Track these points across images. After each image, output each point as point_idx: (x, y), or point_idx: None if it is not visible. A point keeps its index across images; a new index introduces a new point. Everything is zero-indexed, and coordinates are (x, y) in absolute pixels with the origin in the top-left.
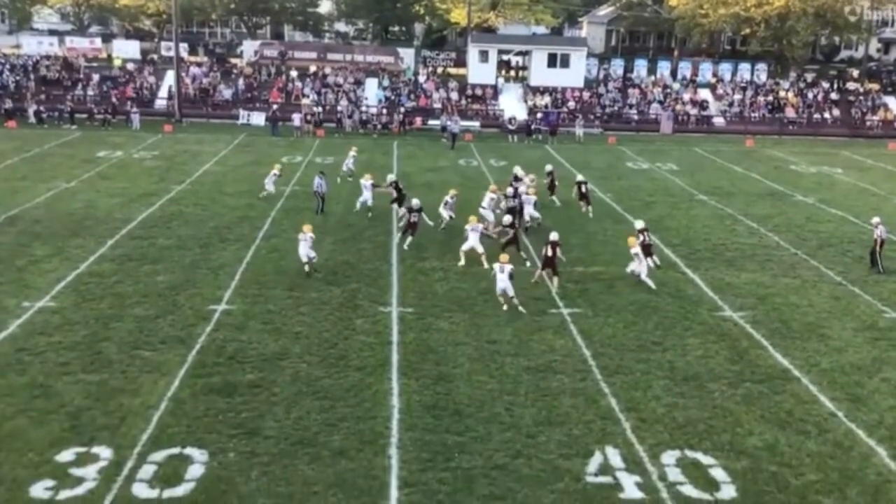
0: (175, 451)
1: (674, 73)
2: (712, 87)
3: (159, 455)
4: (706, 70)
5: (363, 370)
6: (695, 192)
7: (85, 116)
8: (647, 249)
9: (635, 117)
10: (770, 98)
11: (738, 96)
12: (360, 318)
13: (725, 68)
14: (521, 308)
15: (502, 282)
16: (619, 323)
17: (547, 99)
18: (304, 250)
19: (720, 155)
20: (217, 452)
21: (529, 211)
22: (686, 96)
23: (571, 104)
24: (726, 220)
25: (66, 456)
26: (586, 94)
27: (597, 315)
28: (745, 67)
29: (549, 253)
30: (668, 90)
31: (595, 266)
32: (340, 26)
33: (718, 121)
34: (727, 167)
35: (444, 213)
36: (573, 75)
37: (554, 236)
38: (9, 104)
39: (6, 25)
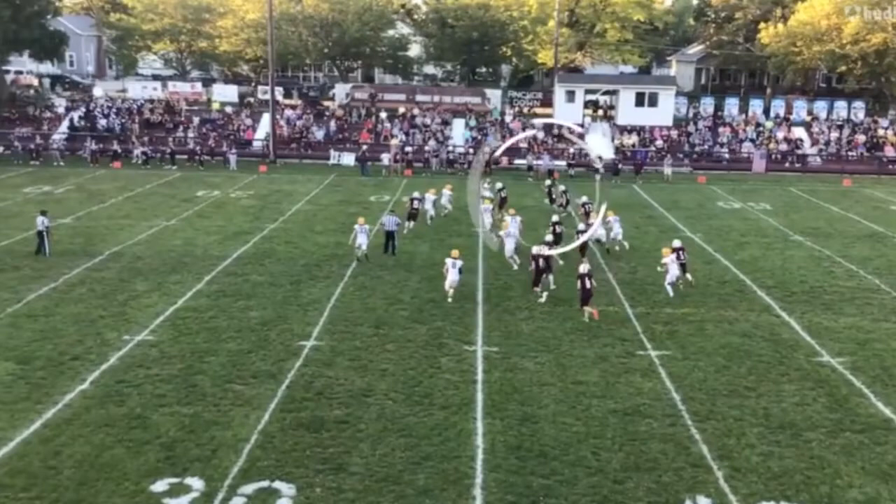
0: (264, 484)
1: (766, 112)
2: (807, 126)
3: (249, 488)
4: (800, 108)
5: (448, 409)
6: (790, 232)
7: (185, 157)
8: (683, 268)
9: (726, 156)
10: (868, 136)
11: (834, 135)
12: (445, 356)
13: (821, 106)
14: (449, 299)
15: (453, 275)
16: (710, 367)
17: (634, 138)
18: (362, 239)
19: (816, 195)
20: (304, 487)
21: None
22: (780, 135)
23: (659, 143)
24: (823, 261)
25: (160, 486)
26: (675, 133)
27: (686, 358)
28: (841, 105)
29: (588, 286)
30: (761, 128)
31: (684, 308)
32: (429, 69)
33: (814, 160)
34: (823, 207)
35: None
36: (661, 114)
37: (584, 268)
38: (115, 146)
39: (114, 71)
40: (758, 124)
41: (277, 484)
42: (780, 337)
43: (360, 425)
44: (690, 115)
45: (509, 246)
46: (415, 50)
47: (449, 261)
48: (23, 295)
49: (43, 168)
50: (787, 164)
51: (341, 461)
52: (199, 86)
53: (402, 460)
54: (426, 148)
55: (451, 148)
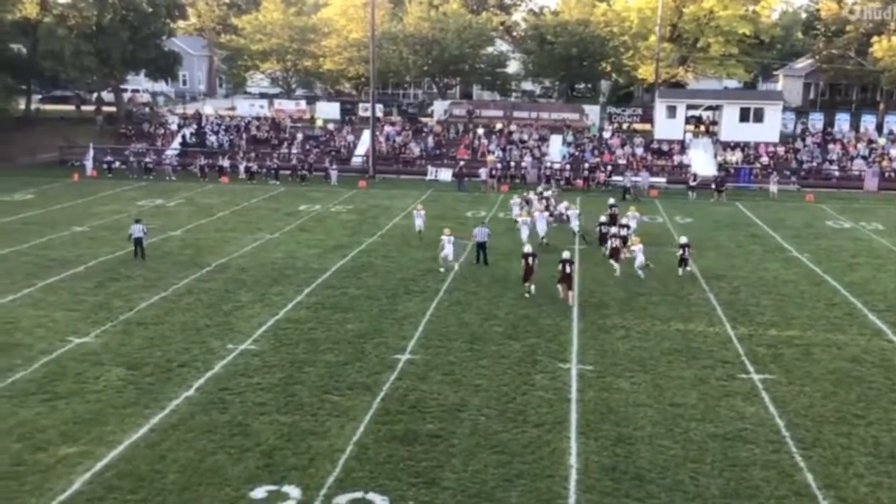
0: (358, 495)
1: (879, 128)
2: None
3: (343, 498)
4: None
5: (541, 427)
6: None
7: (288, 173)
8: (684, 262)
9: (836, 174)
10: None
11: None
12: (539, 373)
13: None
14: (455, 267)
15: (448, 248)
16: (816, 392)
17: (738, 154)
18: (419, 222)
19: None
20: (397, 500)
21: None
22: (893, 152)
23: (765, 160)
24: None
25: (259, 493)
26: (781, 150)
27: (791, 383)
28: None
29: (567, 270)
30: (874, 145)
31: (790, 330)
32: (527, 85)
33: None
34: None
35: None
36: (767, 130)
37: (566, 255)
38: (223, 161)
39: (223, 89)
40: (870, 141)
41: (371, 495)
42: (892, 363)
43: (453, 440)
44: (798, 130)
45: (524, 232)
46: (513, 66)
47: (444, 238)
48: (134, 303)
49: (156, 182)
50: None
51: (434, 475)
52: (303, 103)
53: (495, 477)
54: (523, 164)
55: (547, 164)
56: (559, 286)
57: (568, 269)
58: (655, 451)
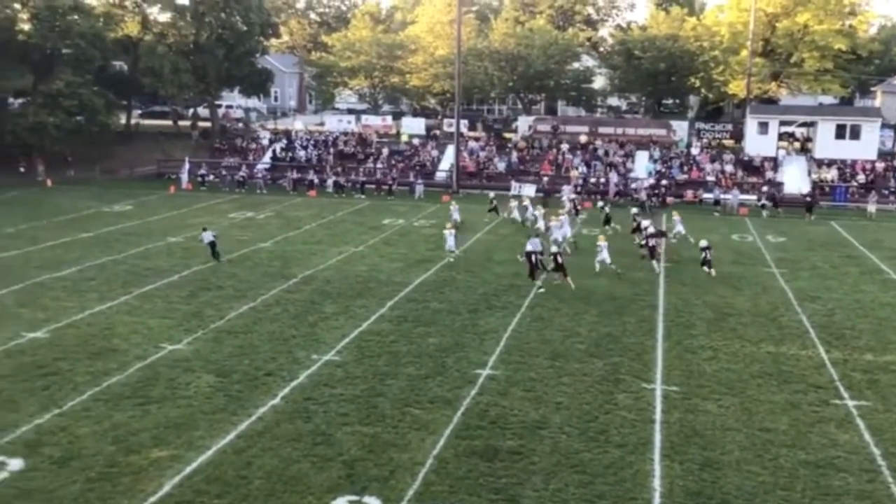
0: None
1: None
2: None
3: None
4: None
5: (624, 447)
6: None
7: (373, 187)
8: (708, 264)
9: None
10: None
11: None
12: (621, 392)
13: None
14: (457, 253)
15: (450, 240)
16: None
17: (834, 172)
18: (456, 216)
19: None
20: None
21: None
22: None
23: (861, 178)
24: None
25: (340, 503)
26: (880, 167)
27: (889, 410)
28: None
29: (559, 261)
30: None
31: (888, 355)
32: (613, 101)
33: None
34: None
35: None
36: (864, 147)
37: (554, 248)
38: (311, 175)
39: (313, 106)
40: None
41: None
42: None
43: (533, 458)
44: None
45: (556, 234)
46: (599, 82)
47: (446, 231)
48: (225, 313)
49: (247, 195)
50: None
51: (514, 492)
52: (389, 119)
53: (576, 497)
54: (604, 180)
55: (618, 181)
56: (554, 273)
57: (560, 260)
58: (743, 477)
